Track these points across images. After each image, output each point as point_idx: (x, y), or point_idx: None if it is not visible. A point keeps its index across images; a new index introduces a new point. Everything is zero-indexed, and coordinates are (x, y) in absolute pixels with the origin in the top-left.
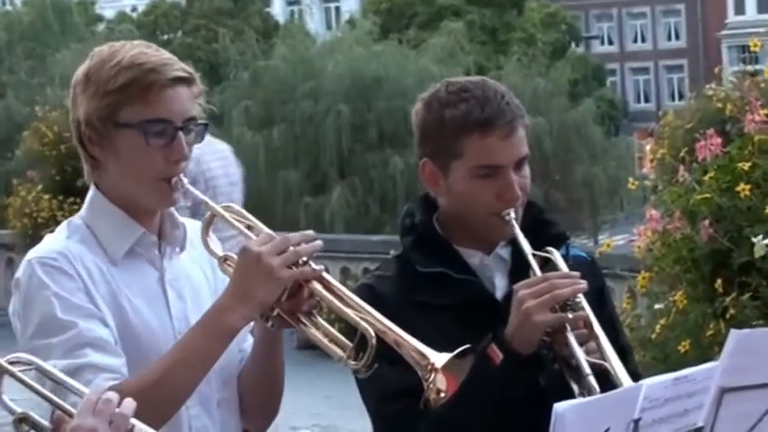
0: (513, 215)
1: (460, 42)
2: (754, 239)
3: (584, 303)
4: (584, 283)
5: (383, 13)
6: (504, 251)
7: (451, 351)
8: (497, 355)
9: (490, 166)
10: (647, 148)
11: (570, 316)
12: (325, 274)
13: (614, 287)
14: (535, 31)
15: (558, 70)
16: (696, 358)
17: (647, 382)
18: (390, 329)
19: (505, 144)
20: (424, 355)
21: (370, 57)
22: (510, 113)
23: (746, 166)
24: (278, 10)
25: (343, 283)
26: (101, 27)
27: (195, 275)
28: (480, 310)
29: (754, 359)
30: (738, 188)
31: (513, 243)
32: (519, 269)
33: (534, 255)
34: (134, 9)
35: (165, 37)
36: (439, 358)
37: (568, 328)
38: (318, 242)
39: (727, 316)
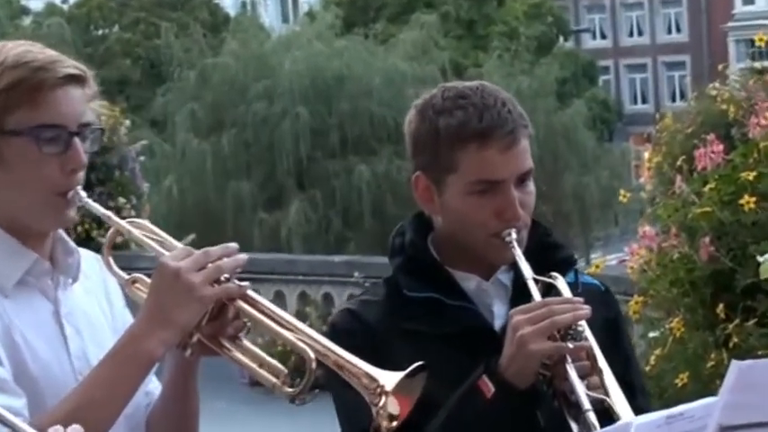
0: (514, 236)
1: (434, 37)
2: (759, 258)
3: (588, 333)
4: (586, 309)
5: (346, 5)
6: (504, 276)
7: (440, 384)
8: (488, 387)
9: (489, 181)
10: (645, 155)
11: (571, 346)
12: (251, 292)
13: None
14: (518, 24)
15: (544, 68)
16: (695, 392)
17: (636, 421)
18: (331, 350)
19: (506, 157)
20: (371, 378)
21: (332, 53)
22: (511, 123)
23: (751, 175)
24: (228, 1)
25: (302, 311)
26: (27, 21)
27: (91, 309)
28: (476, 340)
29: (758, 394)
30: (742, 201)
31: (515, 268)
32: (521, 296)
33: (536, 280)
34: (65, 0)
35: (100, 32)
36: (389, 379)
37: (568, 359)
38: (242, 256)
39: (730, 345)
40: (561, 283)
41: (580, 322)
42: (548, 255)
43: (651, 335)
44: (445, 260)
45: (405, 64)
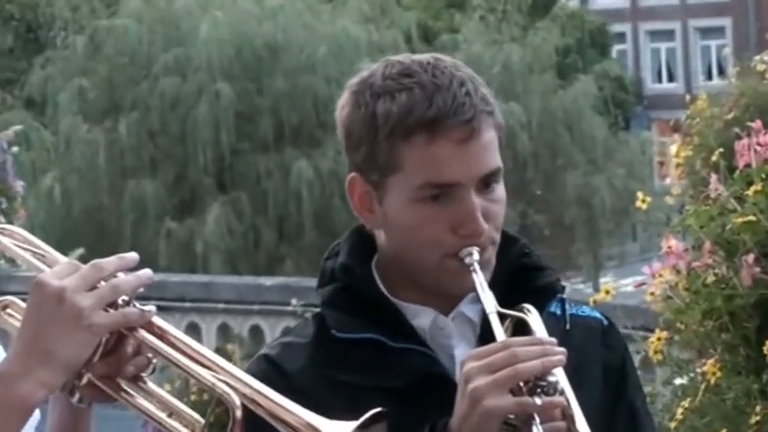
0: (475, 257)
1: None
2: None
3: (564, 383)
4: (560, 354)
5: None
6: (470, 309)
7: None
8: None
9: (441, 184)
10: (672, 148)
11: (539, 402)
12: (158, 319)
13: None
14: None
15: (541, 34)
16: None
17: None
18: (262, 394)
19: (463, 152)
20: (315, 430)
21: (263, 14)
22: (470, 108)
23: None
24: None
25: (222, 348)
26: None
27: None
28: (431, 394)
29: None
30: None
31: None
32: (493, 337)
33: (501, 314)
34: None
35: None
36: (338, 431)
37: (536, 419)
38: (146, 272)
39: None
40: (534, 318)
41: (553, 370)
42: (524, 281)
43: (678, 381)
44: (392, 289)
45: (358, 28)
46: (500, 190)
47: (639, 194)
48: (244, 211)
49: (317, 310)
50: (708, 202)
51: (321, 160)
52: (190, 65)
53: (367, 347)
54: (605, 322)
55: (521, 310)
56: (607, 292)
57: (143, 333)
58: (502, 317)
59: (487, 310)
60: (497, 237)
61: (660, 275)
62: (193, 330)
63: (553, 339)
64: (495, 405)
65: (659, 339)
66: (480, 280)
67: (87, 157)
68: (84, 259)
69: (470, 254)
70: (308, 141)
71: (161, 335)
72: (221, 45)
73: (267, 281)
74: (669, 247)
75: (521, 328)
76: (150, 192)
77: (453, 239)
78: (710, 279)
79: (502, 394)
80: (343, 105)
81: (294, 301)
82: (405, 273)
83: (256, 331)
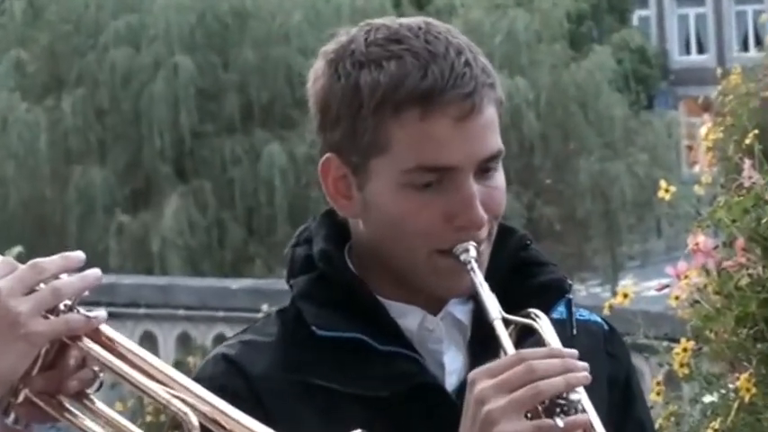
0: (472, 253)
1: None
2: None
3: (586, 401)
4: (584, 370)
5: None
6: (460, 309)
7: None
8: None
9: (435, 167)
10: (701, 129)
11: (561, 424)
12: (106, 327)
13: (637, 366)
14: None
15: None
16: None
17: None
18: (223, 413)
19: (461, 131)
20: None
21: None
22: (470, 80)
23: None
24: None
25: (182, 360)
26: None
27: None
28: (418, 405)
29: None
30: None
31: (476, 299)
32: (484, 340)
33: (506, 320)
34: None
35: None
36: None
37: None
38: (93, 271)
39: None
40: (545, 325)
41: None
42: (524, 279)
43: (708, 399)
44: (371, 284)
45: None
46: (500, 176)
47: (663, 183)
48: (207, 202)
49: (267, 314)
50: (741, 192)
51: (296, 144)
52: (144, 34)
53: (349, 349)
54: (606, 327)
55: (527, 316)
56: (625, 296)
57: (88, 343)
58: (505, 323)
59: (491, 317)
60: (494, 229)
61: (686, 277)
62: (149, 340)
63: (574, 352)
64: (511, 431)
65: (685, 351)
66: (480, 280)
67: (26, 141)
68: (22, 258)
69: (466, 250)
70: (281, 122)
71: (109, 345)
72: (180, 11)
73: (234, 283)
74: (696, 245)
75: (526, 335)
76: (99, 180)
77: (447, 231)
78: (744, 281)
79: (519, 418)
80: (317, 76)
81: (265, 307)
82: (386, 267)
83: (221, 341)
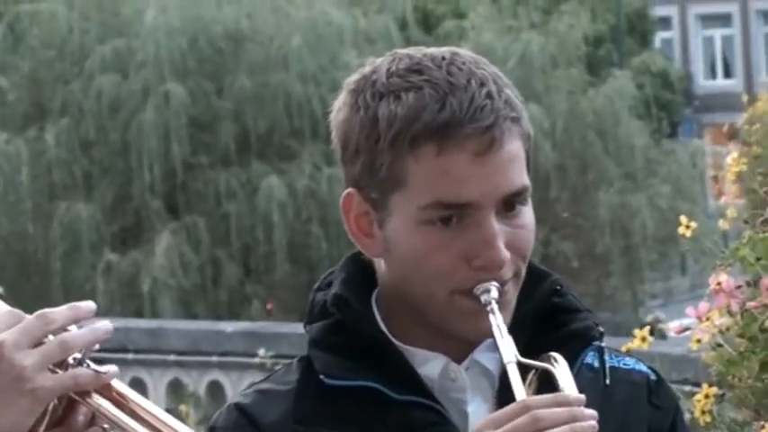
0: (494, 294)
1: None
2: None
3: None
4: (590, 419)
5: None
6: (488, 357)
7: None
8: None
9: (453, 204)
10: (728, 159)
11: None
12: (117, 383)
13: None
14: None
15: (566, 19)
16: None
17: None
18: None
19: (480, 167)
20: None
21: None
22: (491, 113)
23: None
24: None
25: (174, 409)
26: None
27: None
28: None
29: None
30: None
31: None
32: (513, 392)
33: (522, 364)
34: None
35: None
36: None
37: None
38: (105, 324)
39: None
40: (562, 369)
41: None
42: (554, 324)
43: None
44: (395, 329)
45: (341, 13)
46: (527, 214)
47: (683, 219)
48: (200, 239)
49: (290, 362)
50: (766, 228)
51: (295, 176)
52: (132, 59)
53: (363, 398)
54: (653, 377)
55: (546, 360)
56: (643, 340)
57: (98, 399)
58: (524, 368)
59: (505, 360)
60: (523, 270)
61: (708, 318)
62: (138, 387)
63: (581, 397)
64: None
65: (707, 397)
66: (498, 322)
67: (7, 174)
68: (4, 300)
69: (487, 291)
70: (280, 153)
71: (120, 401)
72: (171, 35)
73: (228, 326)
74: (718, 284)
75: (547, 381)
76: (85, 216)
77: (467, 272)
78: None
79: None
80: (339, 107)
81: (262, 352)
82: (410, 310)
83: (215, 388)
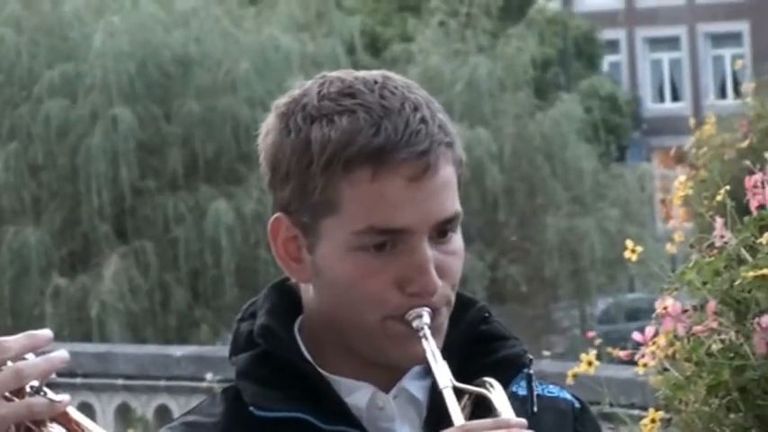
0: (426, 319)
1: None
2: None
3: None
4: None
5: None
6: (415, 385)
7: None
8: None
9: (387, 229)
10: (676, 182)
11: None
12: (72, 410)
13: None
14: None
15: (514, 42)
16: None
17: None
18: None
19: (415, 192)
20: None
21: (173, 22)
22: (426, 138)
23: None
24: None
25: None
26: None
27: None
28: None
29: None
30: None
31: (432, 372)
32: (442, 417)
33: (458, 389)
34: None
35: None
36: None
37: None
38: (62, 353)
39: None
40: (498, 394)
41: None
42: (483, 352)
43: None
44: (320, 359)
45: (289, 38)
46: (458, 240)
47: (629, 243)
48: (149, 264)
49: (213, 394)
50: (712, 253)
51: (243, 200)
52: (81, 83)
53: (292, 429)
54: (577, 405)
55: (481, 385)
56: (590, 364)
57: (54, 428)
58: (458, 393)
59: (441, 385)
60: (453, 297)
61: (654, 343)
62: (87, 412)
63: (522, 421)
64: None
65: (653, 421)
66: (432, 348)
67: None
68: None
69: (419, 316)
70: (228, 177)
71: (75, 430)
72: (119, 59)
73: (177, 350)
74: (664, 308)
75: (480, 406)
76: (33, 241)
77: (399, 298)
78: (716, 346)
79: None
80: (267, 130)
81: (209, 376)
82: (337, 338)
83: (163, 413)
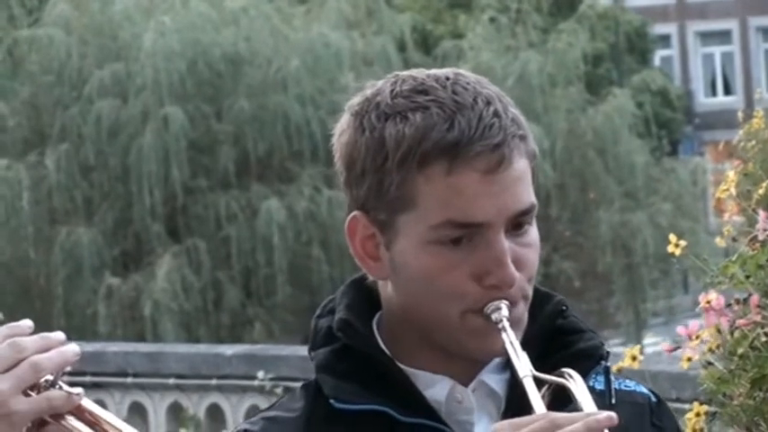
0: (504, 312)
1: None
2: None
3: None
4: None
5: None
6: (494, 378)
7: None
8: None
9: (464, 223)
10: (728, 175)
11: None
12: (87, 402)
13: None
14: None
15: (565, 38)
16: None
17: None
18: None
19: (490, 185)
20: None
21: (222, 20)
22: (500, 132)
23: None
24: None
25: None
26: None
27: None
28: None
29: None
30: None
31: (510, 365)
32: (520, 410)
33: (538, 379)
34: None
35: None
36: None
37: None
38: (72, 347)
39: None
40: (578, 385)
41: None
42: (560, 345)
43: None
44: (399, 353)
45: (339, 35)
46: (533, 233)
47: (672, 237)
48: (201, 263)
49: (293, 384)
50: (755, 246)
51: (295, 199)
52: (131, 83)
53: (371, 421)
54: (654, 399)
55: (561, 376)
56: (634, 359)
57: (71, 420)
58: (538, 384)
59: (520, 374)
60: (530, 290)
61: (698, 337)
62: (138, 412)
63: (610, 413)
64: None
65: (698, 415)
66: (511, 339)
67: (7, 200)
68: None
69: (498, 309)
70: (279, 176)
71: (93, 422)
72: (169, 58)
73: (228, 349)
74: (708, 302)
75: (560, 398)
76: (86, 241)
77: (478, 291)
78: (761, 340)
79: None
80: (342, 130)
81: (261, 374)
82: (416, 333)
83: (215, 411)
